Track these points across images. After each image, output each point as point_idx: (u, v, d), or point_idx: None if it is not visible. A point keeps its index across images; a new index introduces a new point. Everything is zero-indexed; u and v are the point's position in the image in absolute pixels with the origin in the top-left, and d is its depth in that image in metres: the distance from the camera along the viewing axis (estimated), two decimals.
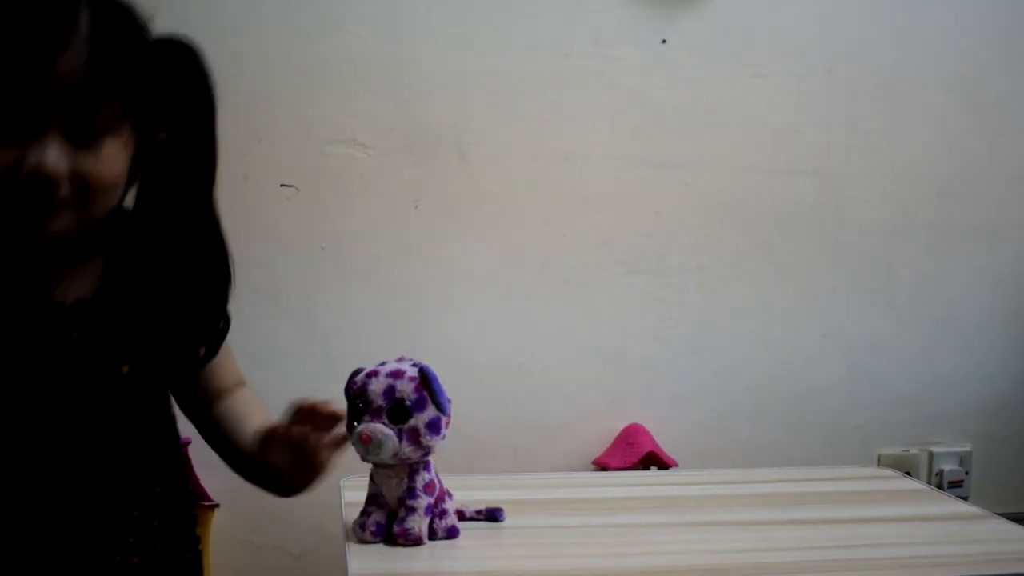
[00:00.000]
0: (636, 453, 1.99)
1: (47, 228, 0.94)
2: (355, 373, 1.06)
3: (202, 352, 1.09)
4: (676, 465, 2.01)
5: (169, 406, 1.10)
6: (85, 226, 0.97)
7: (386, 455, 1.00)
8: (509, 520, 1.09)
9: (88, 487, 0.99)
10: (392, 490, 1.03)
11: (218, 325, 1.11)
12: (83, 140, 0.92)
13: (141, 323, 1.02)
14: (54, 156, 0.90)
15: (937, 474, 2.25)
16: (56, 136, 0.90)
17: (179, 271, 1.05)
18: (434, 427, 1.01)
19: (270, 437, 0.98)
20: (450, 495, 1.07)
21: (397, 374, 1.02)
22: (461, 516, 1.07)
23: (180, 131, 1.05)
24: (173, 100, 1.05)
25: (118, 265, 1.03)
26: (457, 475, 1.22)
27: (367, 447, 1.00)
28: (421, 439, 1.00)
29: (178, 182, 1.06)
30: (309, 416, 0.96)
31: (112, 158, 0.95)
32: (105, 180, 0.95)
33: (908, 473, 2.07)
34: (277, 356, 1.98)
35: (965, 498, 2.04)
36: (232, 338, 2.00)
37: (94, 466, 1.00)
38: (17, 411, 0.97)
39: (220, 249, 1.07)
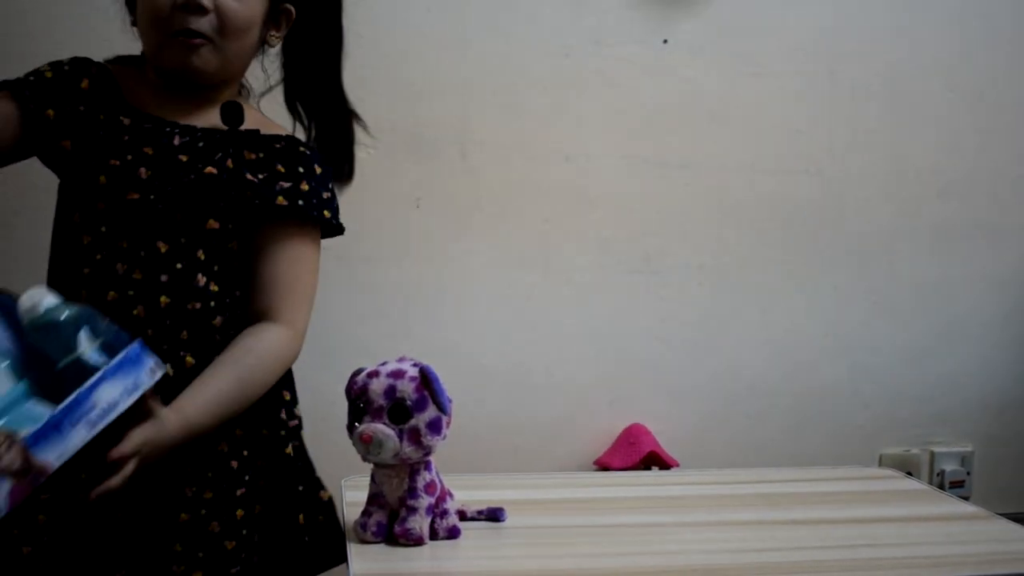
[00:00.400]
0: (638, 453, 1.99)
1: (188, 57, 1.15)
2: (356, 373, 1.06)
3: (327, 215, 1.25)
4: (678, 465, 2.01)
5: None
6: (223, 68, 1.19)
7: (387, 455, 1.00)
8: (510, 520, 1.09)
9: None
10: (393, 490, 1.03)
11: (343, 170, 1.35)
12: None
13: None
14: None
15: (939, 474, 2.25)
16: None
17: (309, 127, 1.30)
18: (435, 427, 1.01)
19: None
20: (451, 495, 1.07)
21: (398, 374, 1.02)
22: (462, 516, 1.07)
23: (310, 10, 1.28)
24: None
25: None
26: (458, 475, 1.22)
27: (368, 447, 1.00)
28: (422, 439, 1.00)
29: (309, 55, 1.30)
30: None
31: (247, 3, 1.18)
32: (241, 18, 1.17)
33: (909, 473, 2.07)
34: None
35: (966, 498, 2.04)
36: None
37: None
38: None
39: (346, 114, 1.35)
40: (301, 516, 1.23)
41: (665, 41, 2.06)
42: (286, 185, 1.21)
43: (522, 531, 1.07)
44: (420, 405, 1.01)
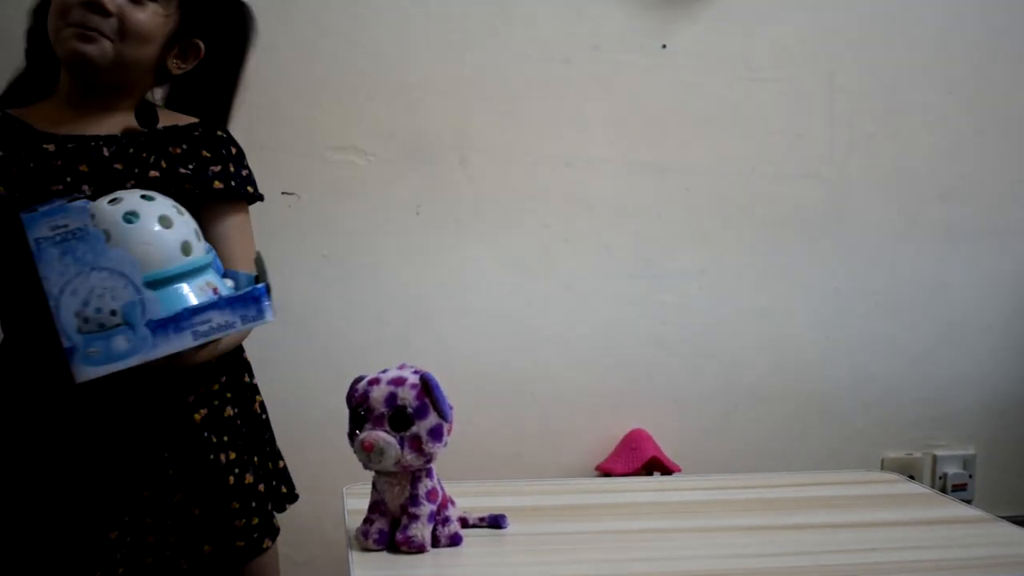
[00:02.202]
0: (639, 458, 1.99)
1: (86, 48, 1.22)
2: (357, 380, 1.06)
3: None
4: (679, 470, 2.01)
5: None
6: (118, 67, 1.25)
7: (388, 463, 1.00)
8: (512, 527, 1.09)
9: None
10: (395, 497, 1.02)
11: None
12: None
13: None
14: None
15: (941, 477, 2.24)
16: None
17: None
18: (436, 434, 1.01)
19: None
20: (453, 502, 1.07)
21: (399, 381, 1.02)
22: (464, 523, 1.07)
23: (216, 53, 1.34)
24: (218, 20, 1.35)
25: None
26: (460, 482, 1.22)
27: (369, 455, 1.00)
28: (423, 446, 1.00)
29: (203, 92, 1.37)
30: None
31: (152, 18, 1.25)
32: (142, 30, 1.24)
33: (912, 477, 2.07)
34: (279, 363, 1.98)
35: (969, 501, 2.04)
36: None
37: None
38: None
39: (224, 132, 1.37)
40: (280, 462, 1.43)
41: (664, 46, 2.06)
42: (216, 169, 1.31)
43: (524, 538, 1.07)
44: (421, 412, 1.01)
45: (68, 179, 1.22)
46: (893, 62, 2.18)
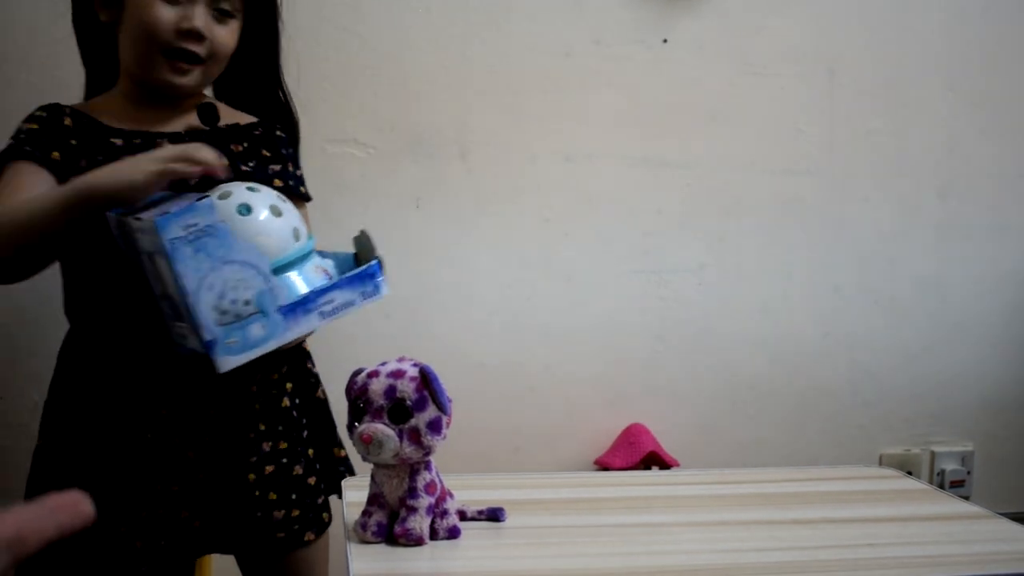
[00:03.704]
0: (638, 453, 1.99)
1: (181, 78, 1.27)
2: (356, 373, 1.06)
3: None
4: (678, 465, 2.01)
5: None
6: (202, 86, 1.31)
7: (387, 455, 1.00)
8: (511, 520, 1.09)
9: None
10: (393, 490, 1.02)
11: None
12: (220, 15, 1.27)
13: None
14: (202, 19, 1.25)
15: (939, 474, 2.25)
16: (204, 7, 1.25)
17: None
18: (435, 427, 1.01)
19: None
20: (451, 495, 1.07)
21: (398, 374, 1.02)
22: (462, 516, 1.07)
23: (256, 36, 1.36)
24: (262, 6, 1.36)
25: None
26: (458, 475, 1.22)
27: (368, 447, 1.00)
28: (422, 439, 1.00)
29: (249, 59, 1.37)
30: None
31: (233, 34, 1.29)
32: (227, 49, 1.29)
33: (910, 473, 2.07)
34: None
35: (967, 498, 2.04)
36: None
37: None
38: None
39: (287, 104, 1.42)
40: (341, 451, 1.43)
41: (665, 41, 2.06)
42: (276, 168, 1.34)
43: (522, 531, 1.07)
44: (420, 405, 1.01)
45: None
46: (893, 58, 2.17)
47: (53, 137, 1.25)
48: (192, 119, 1.32)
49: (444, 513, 1.04)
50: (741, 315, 2.14)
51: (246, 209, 1.09)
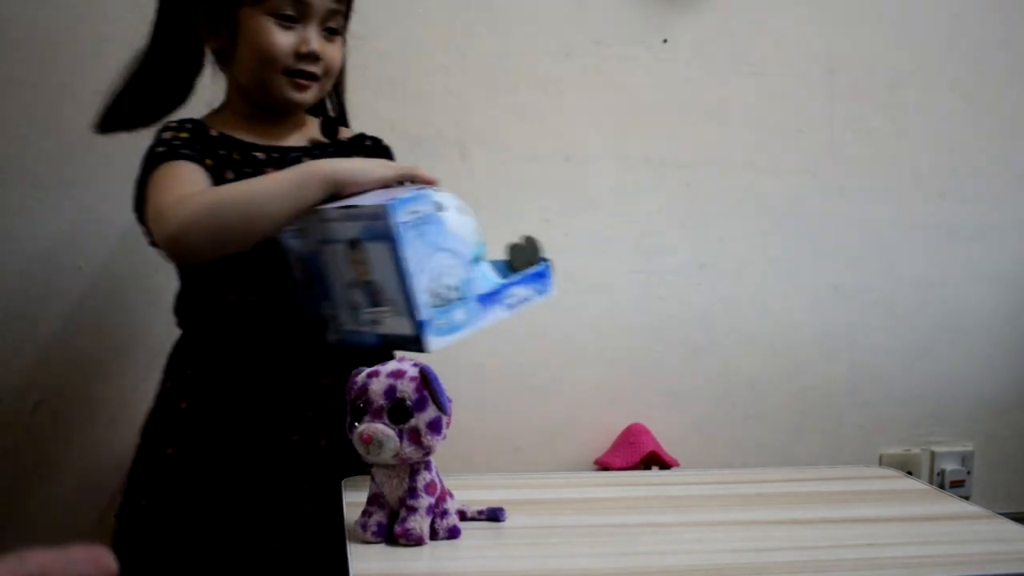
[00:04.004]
0: (638, 453, 1.99)
1: (301, 94, 1.34)
2: (356, 373, 1.06)
3: None
4: (678, 465, 2.01)
5: None
6: (315, 101, 1.39)
7: (387, 455, 1.00)
8: (510, 520, 1.09)
9: None
10: (393, 490, 1.02)
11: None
12: (329, 35, 1.35)
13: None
14: (316, 41, 1.33)
15: (939, 474, 2.25)
16: (315, 28, 1.32)
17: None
18: (435, 427, 1.01)
19: None
20: (451, 495, 1.07)
21: (398, 374, 1.02)
22: (462, 516, 1.07)
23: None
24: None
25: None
26: (458, 475, 1.22)
27: (368, 447, 1.00)
28: (422, 439, 1.00)
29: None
30: None
31: (340, 50, 1.38)
32: (337, 64, 1.38)
33: (910, 473, 2.07)
34: None
35: (967, 498, 2.04)
36: None
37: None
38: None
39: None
40: None
41: (665, 41, 2.06)
42: None
43: (522, 531, 1.07)
44: (420, 405, 1.01)
45: None
46: (893, 58, 2.18)
47: (204, 147, 1.31)
48: (312, 132, 1.41)
49: (444, 513, 1.04)
50: (740, 315, 2.14)
51: (443, 206, 1.15)
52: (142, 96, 1.43)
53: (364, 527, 1.03)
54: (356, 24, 1.99)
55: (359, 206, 1.14)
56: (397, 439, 1.00)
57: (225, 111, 1.41)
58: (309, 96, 1.36)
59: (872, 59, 2.17)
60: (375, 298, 1.15)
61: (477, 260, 1.17)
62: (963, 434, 2.28)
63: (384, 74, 1.96)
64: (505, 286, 1.16)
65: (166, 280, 1.95)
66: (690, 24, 2.07)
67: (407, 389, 1.01)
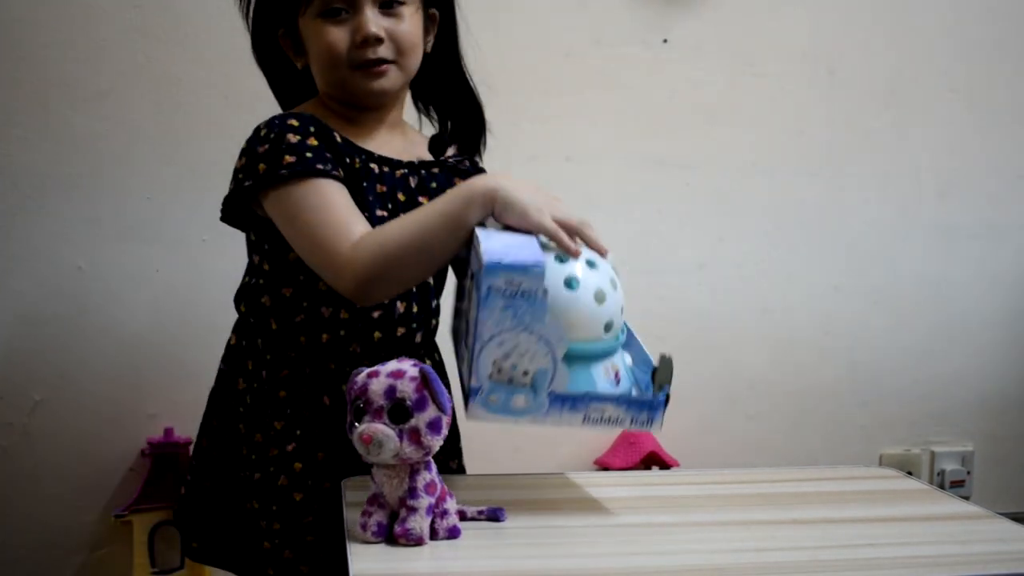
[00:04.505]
0: (638, 453, 1.99)
1: (378, 81, 1.26)
2: (356, 373, 1.06)
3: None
4: (678, 465, 2.01)
5: None
6: (403, 85, 1.32)
7: (387, 455, 1.00)
8: (510, 520, 1.09)
9: None
10: (393, 490, 1.02)
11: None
12: (389, 9, 1.26)
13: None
14: (370, 18, 1.24)
15: (939, 474, 2.25)
16: (369, 10, 1.24)
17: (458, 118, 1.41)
18: (435, 427, 1.01)
19: None
20: (451, 495, 1.07)
21: (398, 374, 1.02)
22: (462, 516, 1.07)
23: (445, 9, 1.37)
24: None
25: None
26: (458, 475, 1.22)
27: (368, 447, 1.00)
28: (422, 439, 1.00)
29: (447, 49, 1.38)
30: None
31: (410, 20, 1.28)
32: (410, 37, 1.28)
33: (910, 473, 2.07)
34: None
35: (967, 498, 2.04)
36: None
37: None
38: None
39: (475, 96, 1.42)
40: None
41: (665, 41, 2.06)
42: None
43: (522, 531, 1.07)
44: (420, 405, 1.01)
45: (389, 206, 1.27)
46: (893, 58, 2.18)
47: (333, 155, 1.24)
48: (420, 150, 1.36)
49: (444, 513, 1.04)
50: (741, 315, 2.14)
51: (575, 284, 1.07)
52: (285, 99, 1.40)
53: (364, 527, 1.03)
54: None
55: (482, 245, 1.06)
56: (397, 439, 1.00)
57: (325, 110, 1.32)
58: (388, 82, 1.28)
59: (872, 59, 2.17)
60: (466, 336, 1.10)
61: (586, 357, 1.07)
62: (963, 434, 2.28)
63: None
64: (594, 397, 1.05)
65: (166, 280, 1.95)
66: (690, 25, 2.07)
67: (407, 389, 1.01)
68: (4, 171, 1.88)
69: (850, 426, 2.22)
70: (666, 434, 2.06)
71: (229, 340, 1.40)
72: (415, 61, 1.31)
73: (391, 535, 1.02)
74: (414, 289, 1.30)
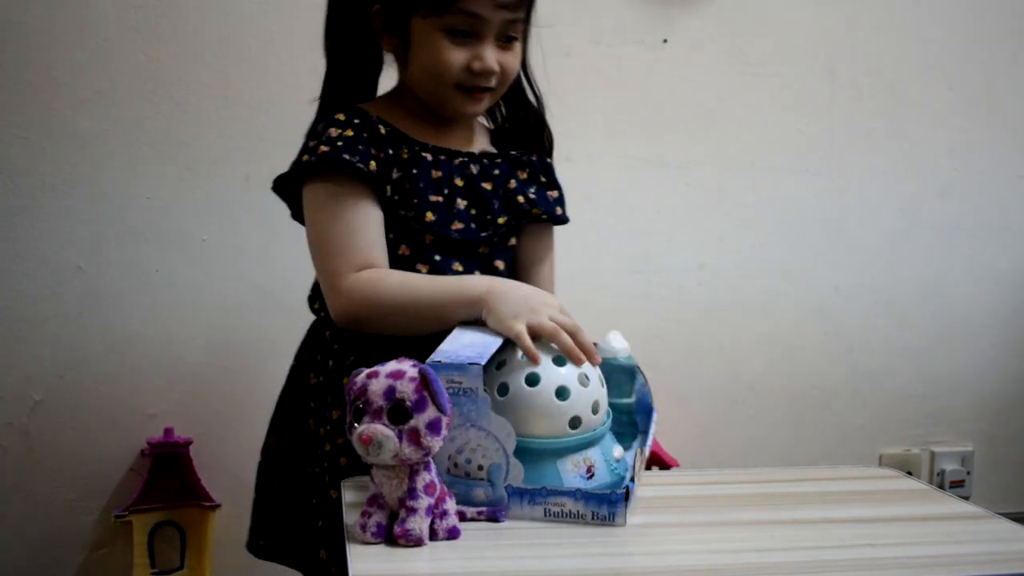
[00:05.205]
0: None
1: (475, 107, 1.32)
2: (355, 373, 1.06)
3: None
4: (677, 465, 2.01)
5: None
6: (486, 109, 1.36)
7: (386, 456, 1.00)
8: (509, 520, 1.09)
9: None
10: (392, 491, 1.02)
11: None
12: (505, 43, 1.29)
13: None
14: (491, 55, 1.27)
15: (939, 474, 2.25)
16: (491, 41, 1.27)
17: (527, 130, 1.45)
18: (434, 428, 1.01)
19: None
20: (451, 496, 1.07)
21: (397, 375, 1.02)
22: (462, 517, 1.07)
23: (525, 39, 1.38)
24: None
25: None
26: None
27: (367, 448, 1.00)
28: (421, 440, 1.00)
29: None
30: None
31: (518, 56, 1.33)
32: (514, 72, 1.33)
33: (910, 473, 2.07)
34: (278, 355, 1.98)
35: (967, 498, 2.04)
36: (235, 338, 2.01)
37: None
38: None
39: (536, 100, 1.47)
40: None
41: (665, 41, 2.06)
42: (554, 195, 1.43)
43: (522, 532, 1.07)
44: (419, 406, 1.01)
45: (445, 191, 1.29)
46: (894, 58, 2.18)
47: (369, 146, 1.26)
48: (480, 140, 1.39)
49: (444, 514, 1.04)
50: (740, 315, 2.14)
51: (535, 380, 1.10)
52: (335, 86, 1.40)
53: (363, 528, 1.03)
54: None
55: (442, 344, 1.11)
56: (396, 440, 1.00)
57: (395, 102, 1.36)
58: (482, 107, 1.34)
59: (872, 59, 2.17)
60: None
61: (547, 452, 1.10)
62: (963, 434, 2.28)
63: (384, 73, 1.95)
64: (551, 492, 1.06)
65: (166, 280, 1.95)
66: (690, 24, 2.07)
67: (406, 390, 1.01)
68: (4, 171, 1.88)
69: (850, 426, 2.22)
70: (666, 434, 2.06)
71: (303, 339, 1.42)
72: (506, 89, 1.36)
73: (391, 536, 1.02)
74: (477, 273, 1.32)
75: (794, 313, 2.18)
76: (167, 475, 1.94)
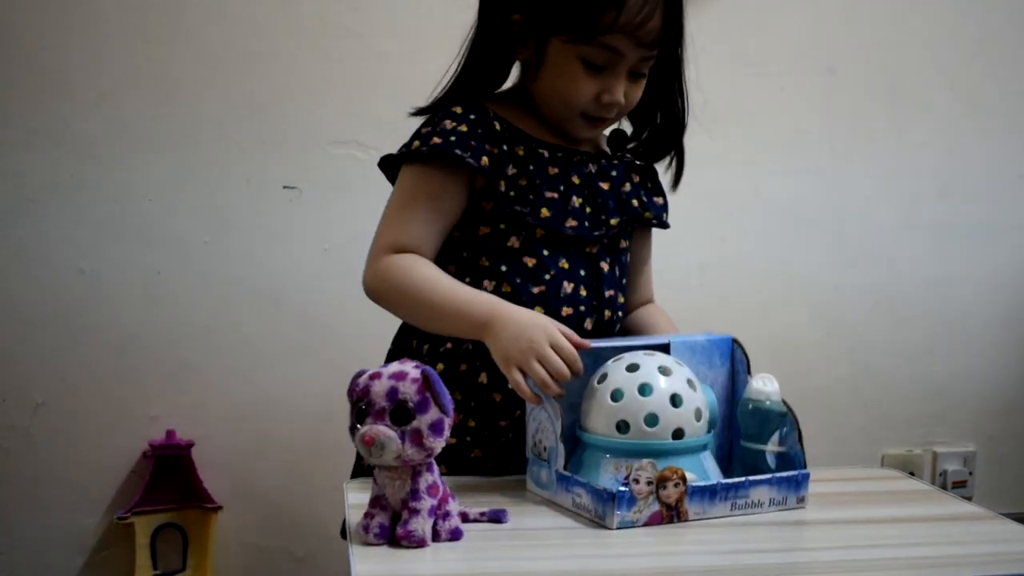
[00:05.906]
0: None
1: (593, 132, 1.34)
2: (358, 375, 1.06)
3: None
4: None
5: None
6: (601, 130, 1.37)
7: (389, 457, 1.00)
8: (513, 522, 1.09)
9: None
10: (395, 492, 1.02)
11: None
12: (635, 78, 1.30)
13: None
14: (621, 89, 1.28)
15: (941, 474, 2.25)
16: (623, 75, 1.28)
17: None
18: (437, 429, 1.01)
19: None
20: (453, 497, 1.07)
21: (400, 375, 1.02)
22: (465, 518, 1.07)
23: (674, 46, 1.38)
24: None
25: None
26: (460, 476, 1.22)
27: (370, 449, 1.00)
28: (424, 441, 1.00)
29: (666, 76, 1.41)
30: None
31: (642, 88, 1.33)
32: (634, 103, 1.33)
33: (912, 473, 2.07)
34: (280, 357, 1.98)
35: (969, 498, 2.04)
36: (235, 338, 2.01)
37: None
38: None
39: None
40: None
41: None
42: (660, 201, 1.45)
43: (524, 532, 1.07)
44: (422, 407, 1.01)
45: (561, 187, 1.30)
46: (894, 57, 2.18)
47: (484, 141, 1.27)
48: (601, 142, 1.41)
49: (446, 515, 1.04)
50: (741, 315, 2.14)
51: (648, 389, 1.13)
52: (463, 81, 1.40)
53: (366, 529, 1.03)
54: (358, 25, 2.00)
55: None
56: (399, 441, 1.00)
57: (514, 101, 1.36)
58: (600, 132, 1.37)
59: (872, 59, 2.17)
60: None
61: (597, 448, 1.13)
62: (965, 435, 2.28)
63: (385, 75, 1.96)
64: (575, 483, 1.11)
65: (168, 282, 1.96)
66: (690, 24, 2.07)
67: (409, 391, 1.01)
68: (4, 172, 1.88)
69: (851, 427, 2.22)
70: None
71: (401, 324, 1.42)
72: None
73: (393, 537, 1.02)
74: (582, 272, 1.32)
75: (795, 313, 2.18)
76: (169, 477, 1.94)
